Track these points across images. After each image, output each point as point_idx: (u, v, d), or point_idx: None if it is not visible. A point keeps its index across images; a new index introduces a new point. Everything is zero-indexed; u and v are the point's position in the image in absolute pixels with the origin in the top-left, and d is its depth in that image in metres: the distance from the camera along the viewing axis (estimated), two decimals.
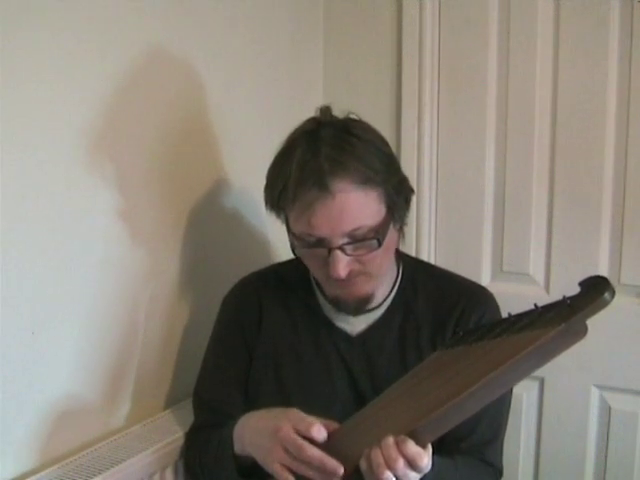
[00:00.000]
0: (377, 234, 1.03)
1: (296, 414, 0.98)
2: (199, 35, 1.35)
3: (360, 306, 1.13)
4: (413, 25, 1.60)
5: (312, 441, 0.93)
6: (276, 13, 1.56)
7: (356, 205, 1.01)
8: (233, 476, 1.07)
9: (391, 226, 1.07)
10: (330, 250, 1.03)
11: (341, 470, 0.90)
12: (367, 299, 1.12)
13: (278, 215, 1.10)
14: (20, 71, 1.03)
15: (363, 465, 0.87)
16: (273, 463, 0.97)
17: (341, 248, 1.02)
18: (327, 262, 1.04)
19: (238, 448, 1.07)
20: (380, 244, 1.04)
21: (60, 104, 1.09)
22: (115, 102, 1.19)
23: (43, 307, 1.10)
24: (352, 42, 1.68)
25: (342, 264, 1.03)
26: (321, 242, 1.03)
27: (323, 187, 0.99)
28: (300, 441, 0.93)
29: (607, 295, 0.82)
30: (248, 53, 1.49)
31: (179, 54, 1.31)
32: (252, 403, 1.15)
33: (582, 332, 0.83)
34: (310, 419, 0.95)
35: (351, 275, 1.05)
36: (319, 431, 0.93)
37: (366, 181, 1.02)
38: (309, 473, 0.93)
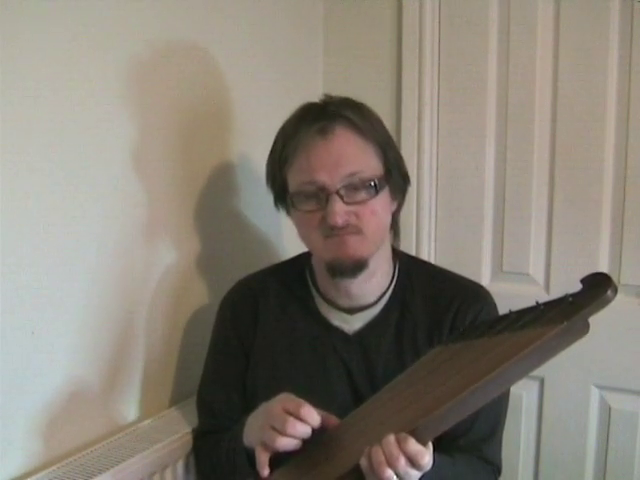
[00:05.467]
0: (374, 181, 1.06)
1: (288, 396, 0.99)
2: (198, 35, 1.35)
3: (355, 270, 1.09)
4: (413, 25, 1.60)
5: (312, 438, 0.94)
6: (276, 13, 1.56)
7: (355, 149, 1.06)
8: (245, 468, 1.07)
9: (387, 189, 1.10)
10: (328, 197, 1.04)
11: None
12: (362, 263, 1.09)
13: (279, 188, 1.12)
14: (22, 66, 1.03)
15: (364, 463, 0.86)
16: (257, 444, 0.98)
17: (338, 193, 1.04)
18: (324, 217, 1.05)
19: (246, 440, 1.07)
20: (377, 191, 1.06)
21: (69, 94, 1.10)
22: (120, 96, 1.20)
23: (43, 307, 1.10)
24: (352, 42, 1.69)
25: (339, 210, 1.04)
26: (320, 191, 1.05)
27: (324, 129, 1.05)
28: (285, 415, 0.94)
29: (610, 292, 0.82)
30: (248, 53, 1.49)
31: (177, 56, 1.31)
32: (250, 404, 1.16)
33: (584, 330, 0.83)
34: (302, 401, 0.96)
35: (347, 229, 1.06)
36: (308, 411, 0.94)
37: (366, 133, 1.07)
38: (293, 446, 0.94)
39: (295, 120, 1.10)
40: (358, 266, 1.09)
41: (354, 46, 1.68)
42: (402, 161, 1.15)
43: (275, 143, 1.12)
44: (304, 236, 1.13)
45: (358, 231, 1.07)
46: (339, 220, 1.04)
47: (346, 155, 1.05)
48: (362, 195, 1.06)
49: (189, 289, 1.40)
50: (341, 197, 1.04)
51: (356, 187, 1.06)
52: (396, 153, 1.14)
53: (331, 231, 1.06)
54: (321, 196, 1.05)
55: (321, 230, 1.07)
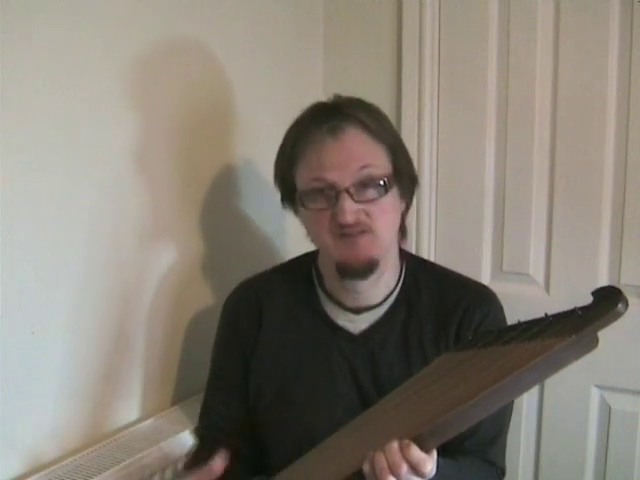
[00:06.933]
0: (384, 180, 1.07)
1: None
2: (198, 35, 1.35)
3: (367, 271, 1.09)
4: (413, 25, 1.60)
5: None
6: (276, 13, 1.56)
7: (365, 148, 1.07)
8: None
9: (396, 190, 1.10)
10: (338, 195, 1.04)
11: None
12: (373, 264, 1.09)
13: (287, 186, 1.12)
14: (25, 66, 1.03)
15: (366, 468, 0.86)
16: None
17: (348, 191, 1.04)
18: (334, 215, 1.05)
19: None
20: (386, 190, 1.06)
21: (71, 95, 1.11)
22: (122, 95, 1.20)
23: (42, 307, 1.11)
24: (352, 42, 1.69)
25: (349, 208, 1.04)
26: (329, 189, 1.05)
27: (335, 129, 1.05)
28: None
29: (620, 306, 0.80)
30: (248, 53, 1.49)
31: (178, 57, 1.31)
32: (256, 405, 1.16)
33: (593, 344, 0.81)
34: None
35: (358, 228, 1.05)
36: None
37: (377, 134, 1.08)
38: None
39: (306, 119, 1.10)
40: (369, 267, 1.09)
41: (354, 46, 1.68)
42: (411, 163, 1.15)
43: (285, 141, 1.12)
44: (314, 235, 1.12)
45: (369, 230, 1.06)
46: (349, 218, 1.04)
47: (356, 153, 1.05)
48: (372, 193, 1.06)
49: (191, 289, 1.40)
50: (351, 195, 1.04)
51: (365, 185, 1.05)
52: (406, 155, 1.14)
53: (342, 230, 1.05)
54: (330, 194, 1.05)
55: (332, 230, 1.07)
